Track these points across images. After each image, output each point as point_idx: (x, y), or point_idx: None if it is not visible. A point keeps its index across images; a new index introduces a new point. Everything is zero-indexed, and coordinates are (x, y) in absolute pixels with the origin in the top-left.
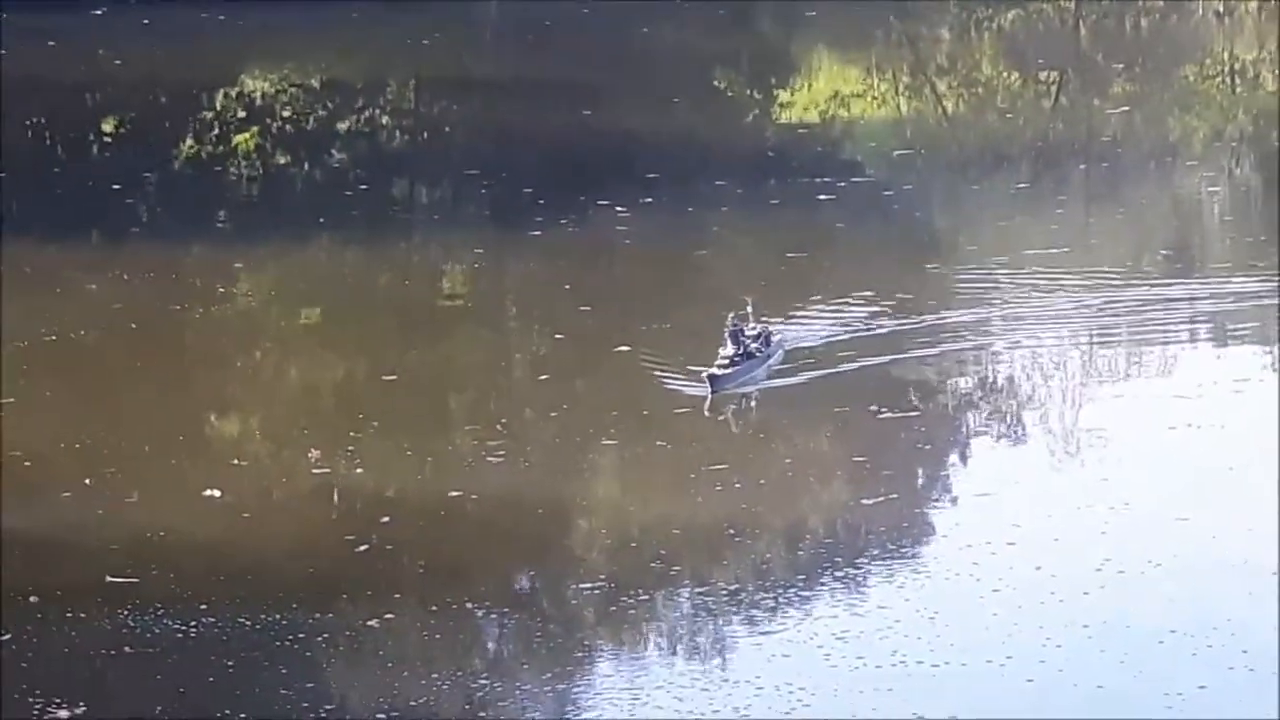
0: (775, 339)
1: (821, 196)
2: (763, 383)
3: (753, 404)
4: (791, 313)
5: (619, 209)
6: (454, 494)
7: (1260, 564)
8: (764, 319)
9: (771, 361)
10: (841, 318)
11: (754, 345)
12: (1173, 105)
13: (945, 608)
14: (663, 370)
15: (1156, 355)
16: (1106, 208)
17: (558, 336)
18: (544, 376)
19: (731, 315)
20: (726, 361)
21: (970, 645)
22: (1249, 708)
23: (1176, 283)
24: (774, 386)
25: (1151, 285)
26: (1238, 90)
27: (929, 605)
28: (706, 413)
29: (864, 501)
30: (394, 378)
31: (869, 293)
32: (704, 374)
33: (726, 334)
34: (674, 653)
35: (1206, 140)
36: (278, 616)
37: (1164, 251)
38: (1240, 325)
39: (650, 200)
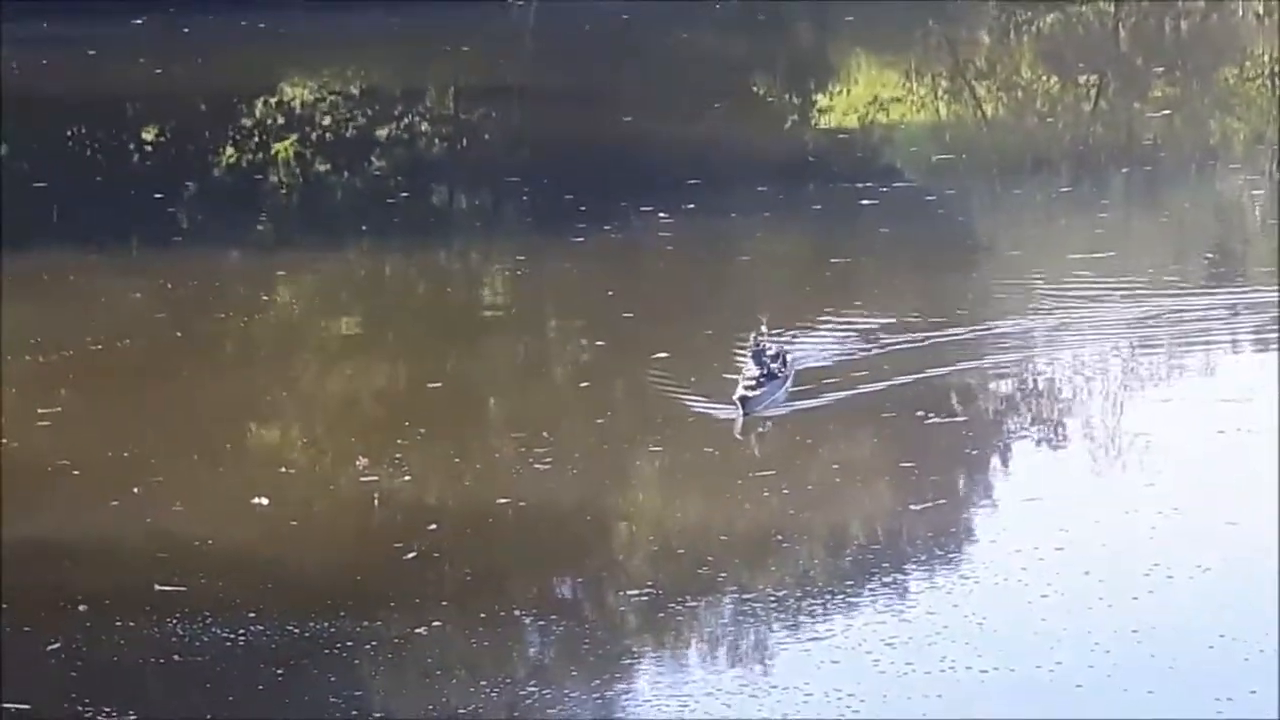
0: (790, 358)
1: (863, 202)
2: (786, 404)
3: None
4: (835, 317)
5: (662, 215)
6: (502, 501)
7: None
8: (779, 336)
9: (789, 384)
10: (886, 324)
11: (775, 365)
12: (1214, 108)
13: (993, 613)
14: (687, 392)
15: (1202, 360)
16: (1149, 211)
17: (599, 343)
18: (584, 384)
19: (754, 334)
20: (754, 383)
21: (1019, 651)
22: None
23: (1221, 286)
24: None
25: (1196, 289)
26: (1278, 91)
27: (977, 611)
28: (739, 436)
29: (911, 507)
30: (438, 385)
31: (911, 300)
32: (735, 396)
33: (750, 354)
34: (721, 659)
35: (1248, 143)
36: (326, 624)
37: (1208, 255)
38: None
39: (693, 206)
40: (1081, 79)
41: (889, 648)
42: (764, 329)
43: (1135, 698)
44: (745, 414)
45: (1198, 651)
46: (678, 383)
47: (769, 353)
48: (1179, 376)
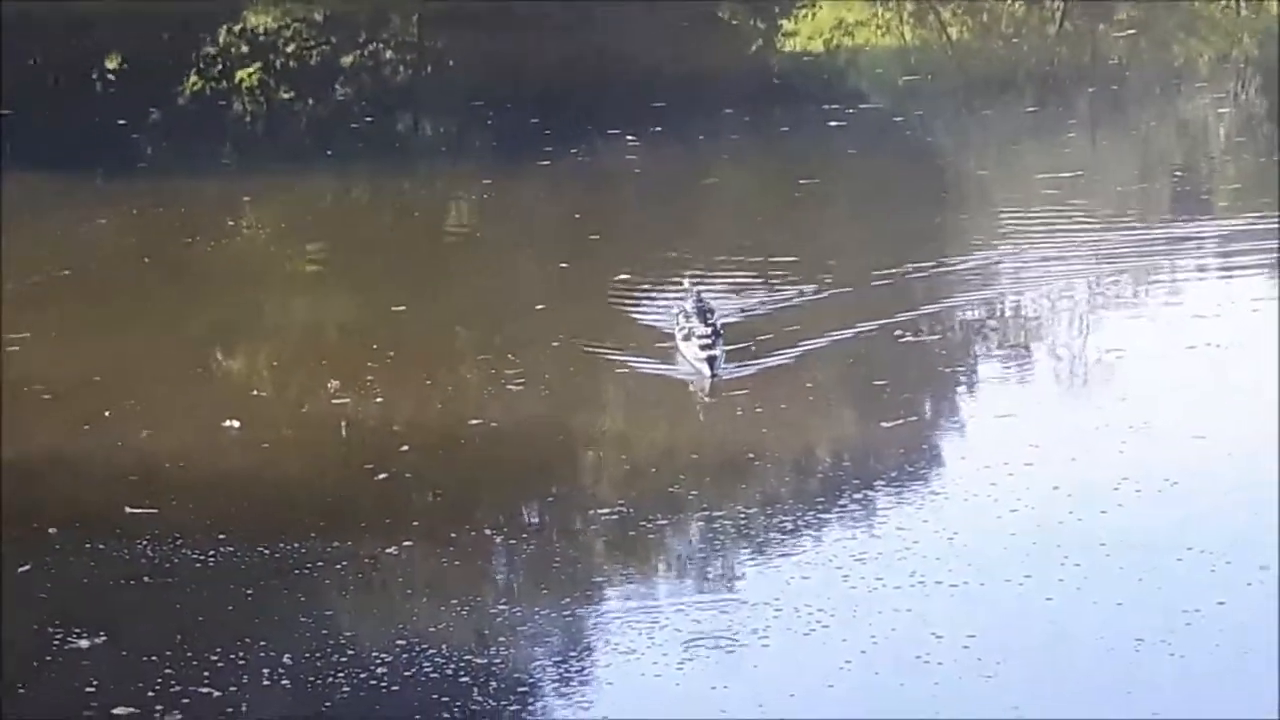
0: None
1: (831, 124)
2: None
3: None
4: (810, 237)
5: (629, 138)
6: (473, 422)
7: (1275, 482)
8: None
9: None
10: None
11: (716, 320)
12: (1178, 29)
13: (963, 528)
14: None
15: (1172, 276)
16: (1116, 131)
17: (564, 265)
18: (546, 306)
19: (696, 289)
20: (710, 341)
21: (989, 565)
22: (1265, 622)
23: (1189, 204)
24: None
25: (1164, 208)
26: (1243, 12)
27: (947, 526)
28: (707, 398)
29: (882, 425)
30: (407, 309)
31: (884, 219)
32: (699, 357)
33: (693, 309)
34: (692, 576)
35: (1213, 63)
36: (296, 545)
37: (1176, 173)
38: (1255, 245)
39: (659, 129)
40: (1046, 1)
41: (859, 563)
42: (685, 283)
43: (1103, 610)
44: (714, 376)
45: (1165, 564)
46: (639, 303)
47: (709, 308)
48: (1149, 293)
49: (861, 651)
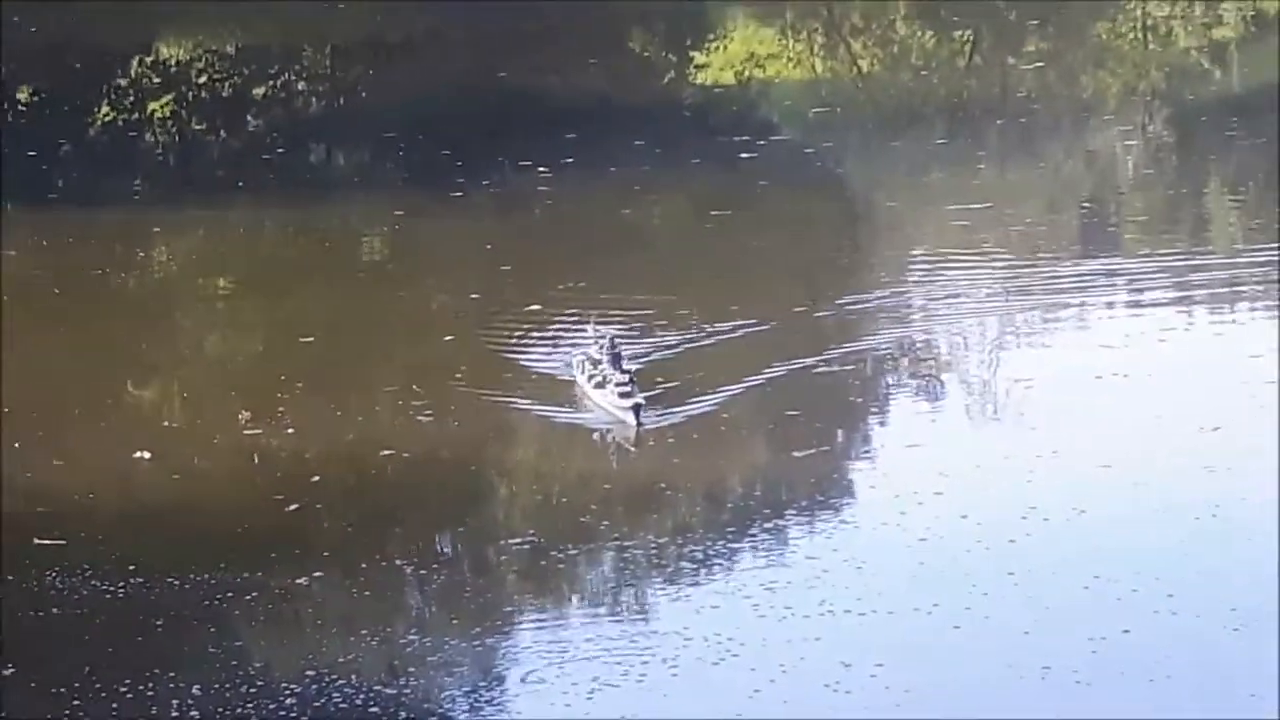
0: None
1: (742, 155)
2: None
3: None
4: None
5: (541, 169)
6: (385, 453)
7: (1183, 509)
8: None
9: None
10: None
11: (628, 365)
12: (1086, 61)
13: (873, 557)
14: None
15: (1081, 308)
16: (1025, 163)
17: (474, 296)
18: (453, 337)
19: (610, 334)
20: (629, 388)
21: (897, 593)
22: (1171, 650)
23: (1097, 236)
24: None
25: (1073, 240)
26: (1150, 46)
27: (857, 555)
28: (633, 448)
29: (794, 454)
30: (318, 340)
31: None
32: (627, 405)
33: (605, 355)
34: (602, 606)
35: (1121, 95)
36: (206, 577)
37: (1084, 205)
38: (1162, 276)
39: (571, 161)
40: (956, 33)
41: (769, 592)
42: (590, 329)
43: (1010, 638)
44: (640, 425)
45: (1072, 592)
46: (552, 335)
47: (620, 352)
48: (1058, 324)
49: (771, 680)
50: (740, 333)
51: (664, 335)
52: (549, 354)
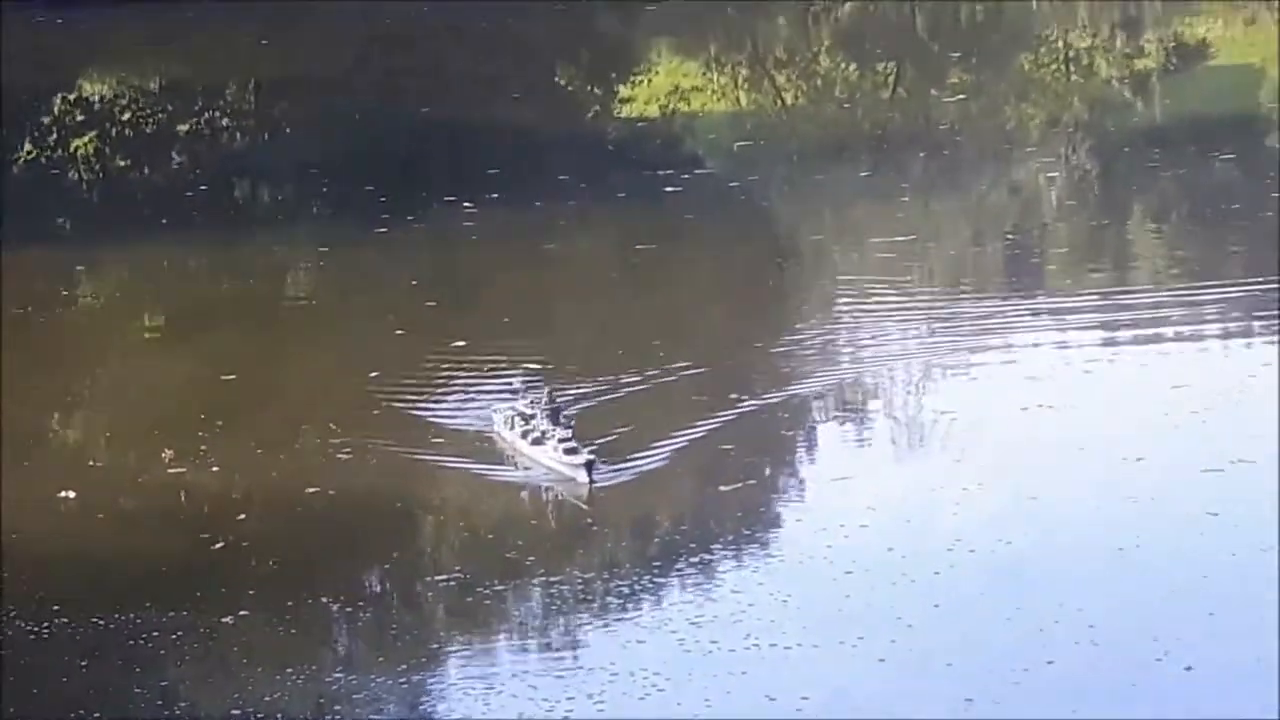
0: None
1: (667, 189)
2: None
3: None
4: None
5: (465, 205)
6: (311, 490)
7: (1106, 540)
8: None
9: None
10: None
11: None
12: (1009, 94)
13: (798, 591)
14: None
15: (1005, 340)
16: (949, 195)
17: (399, 332)
18: (379, 374)
19: (549, 389)
20: (574, 444)
21: (823, 627)
22: (1091, 682)
23: (1021, 269)
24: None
25: (996, 272)
26: (1072, 78)
27: (782, 589)
28: (585, 506)
29: (721, 489)
30: (241, 378)
31: (721, 286)
32: (577, 462)
33: (541, 411)
34: (528, 642)
35: (1043, 127)
36: (132, 616)
37: (1008, 237)
38: (1086, 308)
39: (496, 196)
40: (879, 66)
41: (695, 626)
42: (516, 382)
43: (935, 670)
44: (592, 483)
45: (997, 624)
46: (478, 370)
47: (559, 405)
48: (984, 355)
49: (696, 715)
50: (671, 375)
51: (591, 378)
52: (471, 401)
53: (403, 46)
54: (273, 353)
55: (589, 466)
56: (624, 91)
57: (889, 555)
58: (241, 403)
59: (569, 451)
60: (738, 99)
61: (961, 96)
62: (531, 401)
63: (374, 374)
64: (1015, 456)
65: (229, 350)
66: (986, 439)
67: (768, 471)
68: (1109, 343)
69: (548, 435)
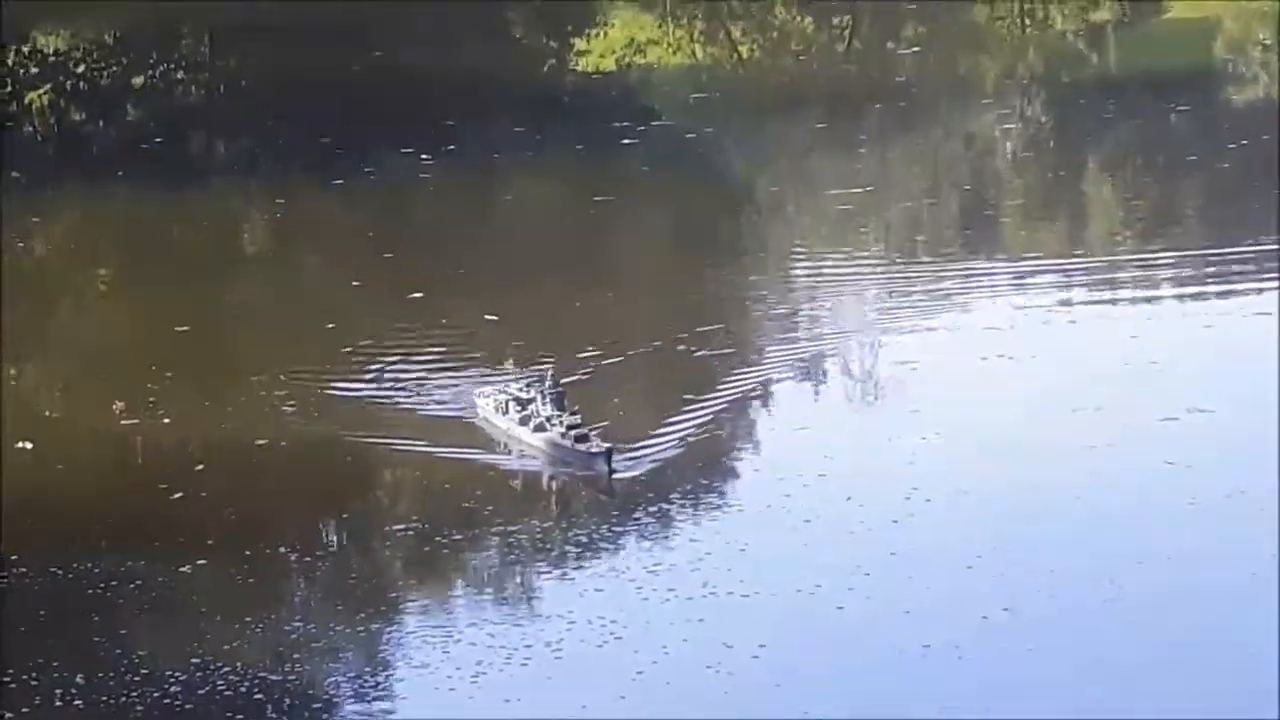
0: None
1: (624, 141)
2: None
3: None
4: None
5: (423, 156)
6: (261, 442)
7: (1064, 488)
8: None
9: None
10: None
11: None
12: (965, 45)
13: (756, 540)
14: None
15: (964, 290)
16: (906, 146)
17: (356, 284)
18: (334, 325)
19: (550, 372)
20: (584, 430)
21: (780, 575)
22: (1050, 627)
23: (978, 218)
24: None
25: (953, 222)
26: (1028, 30)
27: (740, 538)
28: (609, 498)
29: (686, 439)
30: (194, 329)
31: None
32: (597, 450)
33: (548, 398)
34: (487, 590)
35: (998, 79)
36: (90, 565)
37: (965, 188)
38: (1043, 258)
39: (453, 147)
40: (835, 19)
41: (652, 575)
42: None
43: (893, 618)
44: (613, 472)
45: (954, 572)
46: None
47: (562, 390)
48: (943, 306)
49: (653, 662)
50: (631, 315)
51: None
52: (432, 336)
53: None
54: (225, 305)
55: (608, 455)
56: (580, 44)
57: (847, 505)
58: (196, 354)
59: (580, 439)
60: (694, 52)
61: (917, 49)
62: (528, 385)
63: (330, 325)
64: (974, 406)
65: (181, 301)
66: (945, 389)
67: (726, 421)
68: (1067, 294)
69: (552, 421)
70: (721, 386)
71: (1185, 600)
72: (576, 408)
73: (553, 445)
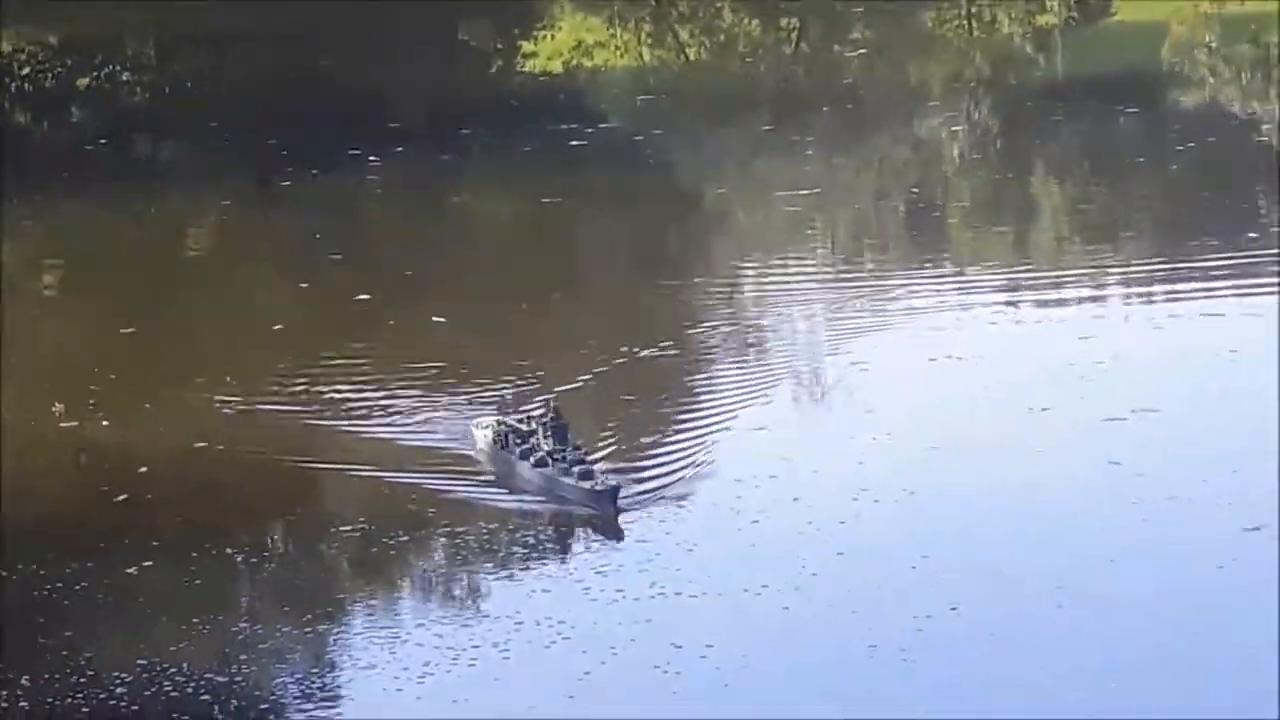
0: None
1: (572, 143)
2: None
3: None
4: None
5: (371, 159)
6: (199, 445)
7: (1011, 488)
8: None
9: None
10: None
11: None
12: (912, 48)
13: (704, 540)
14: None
15: (911, 291)
16: (852, 149)
17: (303, 285)
18: (278, 327)
19: (552, 403)
20: (589, 465)
21: (728, 575)
22: (995, 628)
23: (926, 221)
24: None
25: (900, 225)
26: (975, 33)
27: (689, 538)
28: (619, 546)
29: (639, 439)
30: (137, 332)
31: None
32: (603, 487)
33: (550, 429)
34: (434, 591)
35: (945, 82)
36: (35, 568)
37: (913, 191)
38: (991, 259)
39: (401, 150)
40: (782, 21)
41: (600, 575)
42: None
43: (839, 618)
44: (619, 511)
45: (900, 572)
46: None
47: (565, 422)
48: (890, 308)
49: (601, 663)
50: (580, 316)
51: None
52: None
53: (306, 3)
54: (170, 307)
55: (614, 494)
56: (527, 46)
57: (795, 505)
58: (140, 357)
59: (584, 476)
60: (641, 54)
61: (864, 52)
62: (528, 417)
63: (277, 327)
64: (922, 407)
65: (126, 304)
66: (894, 389)
67: (675, 423)
68: (1014, 295)
69: (555, 457)
70: (671, 388)
71: (1131, 600)
72: (579, 442)
73: (554, 481)
